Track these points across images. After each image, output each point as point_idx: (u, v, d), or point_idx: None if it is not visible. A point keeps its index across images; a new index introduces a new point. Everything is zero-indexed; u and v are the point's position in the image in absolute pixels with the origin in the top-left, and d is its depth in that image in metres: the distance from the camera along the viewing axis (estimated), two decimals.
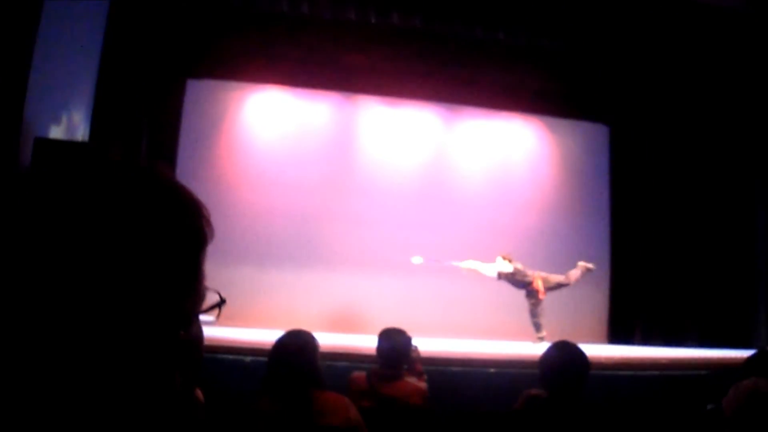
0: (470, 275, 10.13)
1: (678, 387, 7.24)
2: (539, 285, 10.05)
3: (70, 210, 0.79)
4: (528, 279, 10.08)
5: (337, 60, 11.50)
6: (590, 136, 12.93)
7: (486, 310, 10.35)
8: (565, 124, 12.77)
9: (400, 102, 12.20)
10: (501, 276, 10.04)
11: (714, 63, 11.10)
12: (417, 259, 10.31)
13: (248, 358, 6.60)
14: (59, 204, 0.80)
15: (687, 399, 5.98)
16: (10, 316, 0.77)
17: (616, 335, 12.07)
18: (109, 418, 0.79)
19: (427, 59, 11.33)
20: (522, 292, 10.22)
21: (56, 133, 7.95)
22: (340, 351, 7.05)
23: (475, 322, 9.95)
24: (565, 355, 3.72)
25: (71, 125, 8.58)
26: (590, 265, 10.37)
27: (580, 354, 3.72)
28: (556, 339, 3.98)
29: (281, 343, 3.55)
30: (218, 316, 0.94)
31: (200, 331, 0.90)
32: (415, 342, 5.01)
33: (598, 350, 8.48)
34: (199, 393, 2.26)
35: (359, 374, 4.69)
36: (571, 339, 3.94)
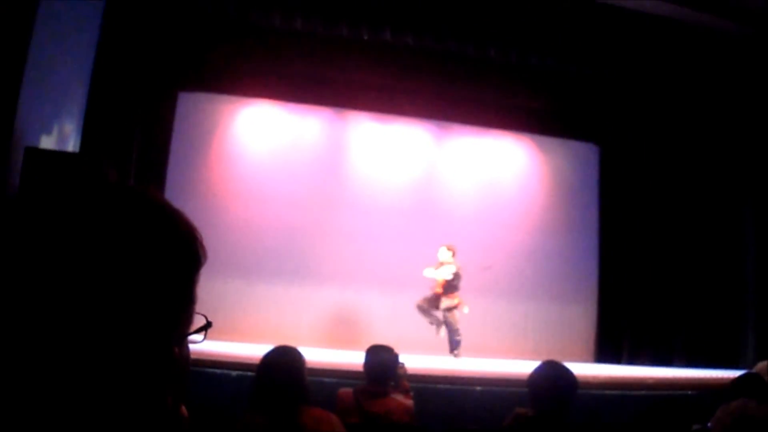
0: (462, 295, 10.10)
1: (665, 407, 7.25)
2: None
3: (68, 233, 0.81)
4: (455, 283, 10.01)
5: (328, 75, 11.51)
6: (580, 155, 12.97)
7: (473, 328, 10.32)
8: (555, 143, 12.80)
9: (390, 118, 12.21)
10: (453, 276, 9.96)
11: (703, 83, 11.18)
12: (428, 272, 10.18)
13: (234, 373, 6.59)
14: (57, 227, 0.81)
15: (674, 419, 5.99)
16: (8, 335, 0.78)
17: (603, 354, 12.06)
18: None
19: (419, 76, 11.35)
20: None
21: (47, 143, 7.93)
22: (328, 367, 7.04)
23: (462, 339, 9.91)
24: (553, 374, 3.73)
25: (62, 135, 8.56)
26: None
27: (568, 373, 3.73)
28: (544, 357, 3.99)
29: (268, 359, 3.54)
30: (204, 337, 0.96)
31: (188, 351, 0.92)
32: (402, 359, 5.01)
33: (585, 369, 8.48)
34: (183, 409, 2.25)
35: (346, 391, 4.69)
36: (558, 358, 3.95)
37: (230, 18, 10.16)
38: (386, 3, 10.15)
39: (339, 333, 10.67)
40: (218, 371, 6.62)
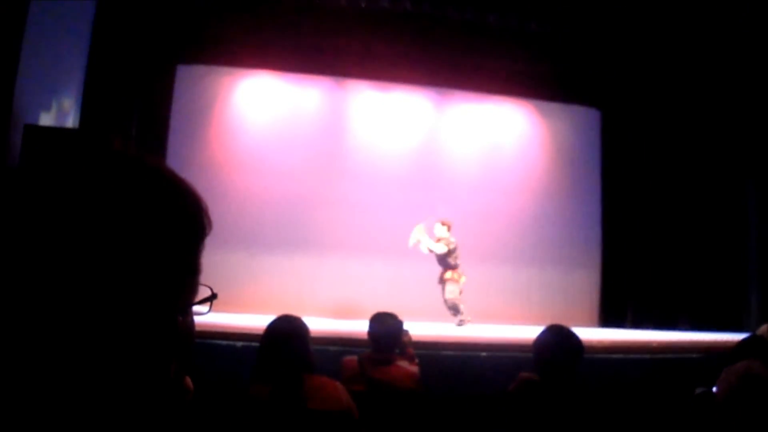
0: (464, 261, 10.10)
1: (669, 370, 7.27)
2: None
3: (73, 204, 0.81)
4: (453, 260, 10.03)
5: (327, 44, 11.45)
6: (581, 119, 12.93)
7: (478, 295, 10.34)
8: (556, 108, 12.77)
9: (390, 86, 12.18)
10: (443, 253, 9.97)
11: (705, 45, 11.08)
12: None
13: (240, 344, 6.60)
14: (62, 198, 0.81)
15: (678, 382, 6.01)
16: (9, 307, 0.78)
17: (608, 318, 12.10)
18: (106, 404, 0.80)
19: (418, 43, 11.29)
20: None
21: (46, 119, 7.91)
22: (332, 335, 7.06)
23: (466, 306, 9.93)
24: (558, 339, 3.73)
25: (61, 111, 8.54)
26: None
27: (574, 338, 3.73)
28: (549, 323, 3.99)
29: (272, 328, 3.54)
30: (209, 309, 0.98)
31: (192, 322, 0.92)
32: (406, 326, 5.02)
33: (590, 334, 8.50)
34: (188, 380, 2.27)
35: (351, 358, 4.70)
36: (562, 322, 3.95)
37: None
38: None
39: (342, 302, 10.68)
40: (223, 342, 6.64)
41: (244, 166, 11.43)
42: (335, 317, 9.71)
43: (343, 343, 6.63)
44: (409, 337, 5.27)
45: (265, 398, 3.15)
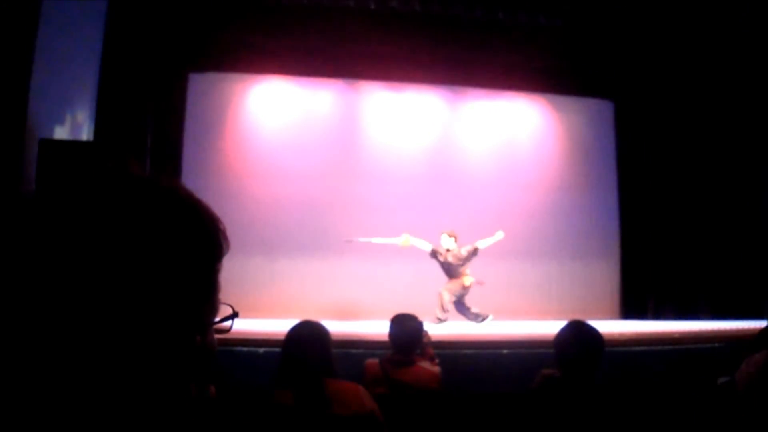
0: (483, 258, 10.08)
1: (691, 361, 7.24)
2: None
3: (91, 229, 0.81)
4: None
5: (338, 47, 11.47)
6: (595, 112, 12.90)
7: (497, 291, 10.33)
8: (569, 101, 12.74)
9: (402, 86, 12.18)
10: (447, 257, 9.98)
11: (718, 33, 11.02)
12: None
13: (262, 350, 6.62)
14: (80, 223, 0.82)
15: (700, 372, 5.98)
16: (35, 327, 0.79)
17: (628, 310, 12.06)
18: (127, 422, 0.81)
19: (428, 42, 11.29)
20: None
21: (61, 133, 7.95)
22: (354, 338, 7.07)
23: (486, 303, 9.92)
24: (579, 335, 3.72)
25: (75, 124, 8.58)
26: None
27: (595, 333, 3.72)
28: (569, 317, 3.98)
29: (294, 333, 3.56)
30: (231, 327, 0.98)
31: (214, 340, 0.93)
32: (426, 327, 5.02)
33: (610, 326, 8.48)
34: (211, 389, 2.28)
35: (373, 361, 4.71)
36: (583, 316, 3.96)
37: None
38: None
39: (362, 304, 10.67)
40: (245, 349, 6.66)
41: (259, 171, 11.45)
42: (355, 319, 9.71)
43: (365, 346, 6.63)
44: (429, 338, 5.27)
45: (290, 404, 3.16)
